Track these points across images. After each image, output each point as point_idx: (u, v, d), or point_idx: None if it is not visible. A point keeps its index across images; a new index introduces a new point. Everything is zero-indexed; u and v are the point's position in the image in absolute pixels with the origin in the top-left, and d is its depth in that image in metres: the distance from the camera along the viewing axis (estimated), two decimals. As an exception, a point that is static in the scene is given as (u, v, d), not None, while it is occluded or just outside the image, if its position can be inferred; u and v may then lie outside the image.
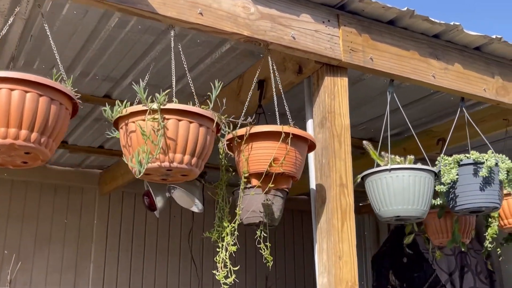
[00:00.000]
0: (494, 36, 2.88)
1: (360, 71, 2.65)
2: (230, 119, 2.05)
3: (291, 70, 2.69)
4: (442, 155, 2.77)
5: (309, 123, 2.58)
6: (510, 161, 2.69)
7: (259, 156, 2.10)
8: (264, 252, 2.30)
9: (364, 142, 2.64)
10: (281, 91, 2.49)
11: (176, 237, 5.75)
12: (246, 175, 2.13)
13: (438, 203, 2.86)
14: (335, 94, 2.48)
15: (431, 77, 2.77)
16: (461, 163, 2.72)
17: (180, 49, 2.20)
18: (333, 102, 2.46)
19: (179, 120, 1.86)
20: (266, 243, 2.31)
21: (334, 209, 2.32)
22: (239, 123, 2.13)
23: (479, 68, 2.98)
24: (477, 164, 2.68)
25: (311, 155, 2.52)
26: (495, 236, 3.31)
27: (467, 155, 2.71)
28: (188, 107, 1.87)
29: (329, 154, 2.39)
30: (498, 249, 3.58)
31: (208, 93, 2.05)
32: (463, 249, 3.55)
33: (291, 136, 2.07)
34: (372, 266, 6.19)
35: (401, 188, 2.40)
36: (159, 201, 4.01)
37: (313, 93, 2.58)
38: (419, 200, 2.41)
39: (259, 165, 2.09)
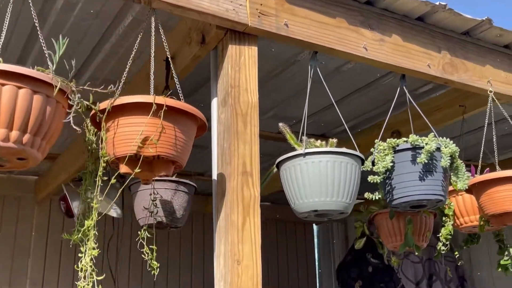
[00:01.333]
0: (437, 3, 2.48)
1: (271, 39, 2.23)
2: (86, 87, 1.62)
3: (195, 42, 2.28)
4: (377, 140, 2.35)
5: (214, 102, 2.16)
6: (454, 145, 2.28)
7: (126, 135, 1.67)
8: (148, 257, 1.86)
9: (280, 124, 2.22)
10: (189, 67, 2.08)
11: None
12: (112, 159, 1.69)
13: (377, 197, 2.43)
14: (240, 65, 2.06)
15: (362, 49, 2.36)
16: (397, 148, 2.30)
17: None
18: (238, 75, 2.05)
19: (2, 85, 1.43)
20: (152, 246, 1.87)
21: (233, 202, 1.89)
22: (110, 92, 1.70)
23: (423, 41, 2.58)
24: (415, 149, 2.27)
25: (214, 139, 2.10)
26: (449, 237, 2.89)
27: (405, 139, 2.30)
28: (14, 67, 1.44)
29: (230, 137, 1.97)
30: (456, 253, 3.17)
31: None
32: (416, 253, 3.12)
33: (165, 108, 1.65)
34: (337, 276, 5.75)
35: (318, 176, 1.98)
36: (75, 207, 3.55)
37: (218, 66, 2.16)
38: (339, 191, 1.99)
39: (126, 146, 1.66)
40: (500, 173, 2.41)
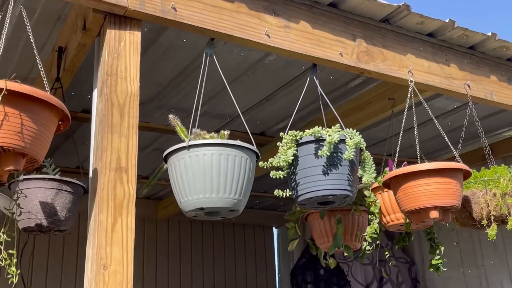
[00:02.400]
0: (349, -12, 2.34)
1: (157, 23, 2.06)
2: None
3: (79, 28, 2.10)
4: (282, 133, 2.20)
5: (94, 93, 1.98)
6: (360, 136, 2.13)
7: (-36, 125, 1.48)
8: (5, 263, 1.67)
9: (170, 116, 2.05)
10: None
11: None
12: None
13: (287, 194, 2.26)
14: (120, 52, 1.89)
15: (265, 35, 2.21)
16: (301, 141, 2.15)
17: None
18: (117, 62, 1.87)
19: None
20: (11, 251, 1.69)
21: (103, 200, 1.71)
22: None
23: (336, 29, 2.44)
24: (319, 141, 2.12)
25: (92, 132, 1.92)
26: (375, 236, 2.74)
27: (309, 130, 2.14)
28: None
29: (104, 129, 1.79)
30: (386, 253, 3.02)
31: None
32: (345, 254, 2.97)
33: (5, 93, 1.47)
34: (291, 280, 5.59)
35: (202, 170, 1.81)
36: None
37: (99, 54, 1.99)
38: (226, 187, 1.82)
39: (-37, 138, 1.47)
40: (414, 167, 2.26)
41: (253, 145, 1.98)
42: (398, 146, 2.54)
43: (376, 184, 2.77)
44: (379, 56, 2.53)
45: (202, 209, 1.85)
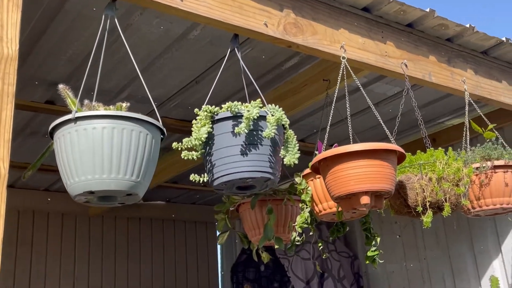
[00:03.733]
0: (273, -50, 2.11)
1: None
2: None
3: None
4: (197, 110, 1.94)
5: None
6: (282, 112, 1.90)
7: None
8: None
9: (60, 86, 1.76)
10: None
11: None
12: None
13: (205, 179, 2.00)
14: (-6, 7, 1.59)
15: (177, -1, 1.95)
16: (216, 117, 1.90)
17: None
18: (-10, 18, 1.57)
19: None
20: None
21: (-35, 181, 1.41)
22: None
23: (261, -4, 2.20)
24: (237, 118, 1.88)
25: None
26: (305, 226, 2.52)
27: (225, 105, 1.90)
28: None
29: (-29, 97, 1.49)
30: (320, 245, 2.81)
31: None
32: (277, 246, 2.75)
33: None
34: (231, 277, 5.34)
35: (91, 147, 1.54)
36: None
37: (-26, 11, 1.67)
38: (121, 166, 1.55)
39: None
40: (343, 148, 2.04)
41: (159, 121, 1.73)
42: (328, 126, 2.32)
43: (308, 170, 2.55)
44: (308, 29, 2.31)
45: (92, 192, 1.57)
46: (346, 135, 3.05)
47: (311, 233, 2.76)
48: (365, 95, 2.40)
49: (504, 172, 2.50)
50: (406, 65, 2.62)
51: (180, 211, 6.28)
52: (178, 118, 3.75)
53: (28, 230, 5.34)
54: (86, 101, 1.70)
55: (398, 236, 4.58)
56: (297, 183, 2.60)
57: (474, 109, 3.65)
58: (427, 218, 2.19)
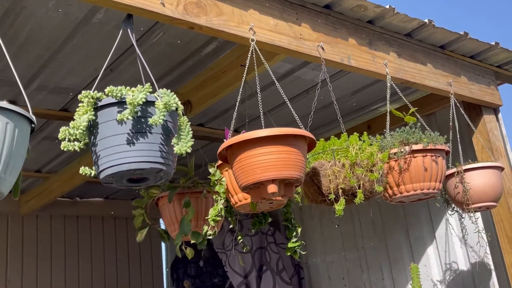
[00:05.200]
0: None
1: None
2: None
3: None
4: (80, 96, 1.76)
5: None
6: (174, 96, 1.75)
7: None
8: None
9: None
10: None
11: None
12: None
13: (94, 172, 1.83)
14: None
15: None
16: (100, 104, 1.73)
17: None
18: None
19: None
20: None
21: None
22: None
23: (157, -26, 2.03)
24: (122, 104, 1.72)
25: None
26: (218, 219, 2.39)
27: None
28: None
29: None
30: (240, 238, 2.68)
31: None
32: (193, 241, 2.61)
33: None
34: (171, 274, 5.19)
35: None
36: None
37: None
38: (-26, 159, 1.37)
39: None
40: (248, 134, 1.91)
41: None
42: (235, 113, 2.19)
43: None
44: (213, 9, 2.16)
45: None
46: (282, 122, 2.93)
47: (230, 226, 2.63)
48: (277, 84, 2.28)
49: (423, 156, 2.42)
50: (322, 48, 2.51)
51: (120, 208, 6.05)
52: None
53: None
54: None
55: (337, 226, 4.51)
56: (211, 174, 2.46)
57: (406, 94, 3.60)
58: (339, 206, 2.09)
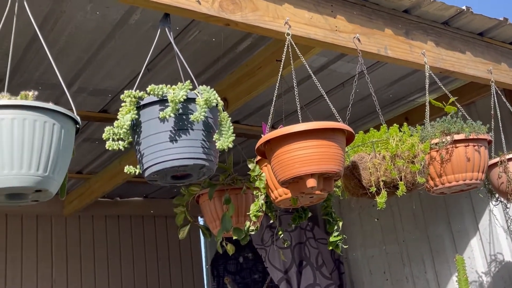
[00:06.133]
0: None
1: None
2: None
3: None
4: (122, 96, 1.80)
5: None
6: (213, 92, 1.76)
7: None
8: None
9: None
10: None
11: None
12: None
13: (140, 171, 1.86)
14: None
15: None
16: (142, 103, 1.76)
17: None
18: None
19: None
20: None
21: None
22: None
23: (192, -28, 2.05)
24: (164, 102, 1.74)
25: None
26: (260, 214, 2.40)
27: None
28: None
29: None
30: (280, 232, 2.68)
31: None
32: (235, 237, 2.62)
33: None
34: (211, 271, 5.24)
35: (-12, 141, 1.40)
36: None
37: None
38: (23, 160, 1.41)
39: None
40: (286, 129, 1.91)
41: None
42: (272, 108, 2.19)
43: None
44: (248, 5, 2.17)
45: None
46: (319, 116, 2.91)
47: (271, 221, 2.64)
48: (308, 69, 2.27)
49: (465, 146, 2.37)
50: (359, 40, 2.48)
51: (159, 206, 6.14)
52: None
53: (1, 234, 5.20)
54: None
55: (376, 219, 4.46)
56: (251, 169, 2.47)
57: (445, 84, 3.53)
58: (381, 198, 2.07)
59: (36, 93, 1.58)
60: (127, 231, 5.94)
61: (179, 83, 1.75)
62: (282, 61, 2.21)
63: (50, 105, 1.49)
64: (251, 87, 3.01)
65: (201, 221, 4.61)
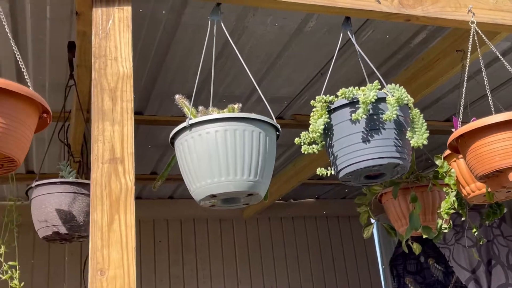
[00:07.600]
0: None
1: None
2: None
3: (73, 14, 1.94)
4: (312, 101, 1.88)
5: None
6: (404, 90, 1.75)
7: None
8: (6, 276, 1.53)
9: (176, 96, 1.81)
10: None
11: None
12: None
13: (332, 172, 1.93)
14: (108, 31, 1.69)
15: (279, -9, 1.91)
16: (333, 106, 1.82)
17: None
18: (105, 42, 1.68)
19: None
20: (11, 263, 1.54)
21: (97, 197, 1.52)
22: None
23: (370, -28, 2.07)
24: (354, 104, 1.78)
25: (92, 126, 1.74)
26: (452, 211, 2.32)
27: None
28: None
29: (95, 117, 1.60)
30: (474, 230, 2.56)
31: None
32: (425, 236, 2.57)
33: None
34: (391, 271, 5.15)
35: (206, 151, 1.56)
36: None
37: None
38: (237, 167, 1.55)
39: None
40: (482, 121, 1.83)
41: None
42: (462, 100, 2.11)
43: (449, 151, 2.35)
44: (427, -2, 2.12)
45: (214, 196, 1.59)
46: (495, 109, 2.76)
47: (462, 219, 2.54)
48: (504, 62, 2.14)
49: None
50: (554, 18, 2.29)
51: (331, 207, 6.21)
52: (310, 114, 3.69)
53: (191, 236, 5.67)
54: (200, 108, 1.73)
55: None
56: (438, 166, 2.41)
57: None
58: None
59: (240, 105, 1.72)
60: (302, 232, 6.10)
61: (368, 84, 1.78)
62: (469, 50, 2.12)
63: (254, 115, 1.61)
64: (428, 80, 2.92)
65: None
